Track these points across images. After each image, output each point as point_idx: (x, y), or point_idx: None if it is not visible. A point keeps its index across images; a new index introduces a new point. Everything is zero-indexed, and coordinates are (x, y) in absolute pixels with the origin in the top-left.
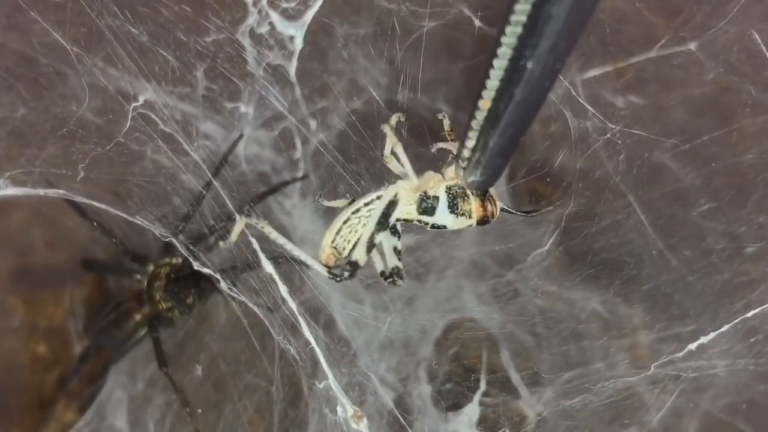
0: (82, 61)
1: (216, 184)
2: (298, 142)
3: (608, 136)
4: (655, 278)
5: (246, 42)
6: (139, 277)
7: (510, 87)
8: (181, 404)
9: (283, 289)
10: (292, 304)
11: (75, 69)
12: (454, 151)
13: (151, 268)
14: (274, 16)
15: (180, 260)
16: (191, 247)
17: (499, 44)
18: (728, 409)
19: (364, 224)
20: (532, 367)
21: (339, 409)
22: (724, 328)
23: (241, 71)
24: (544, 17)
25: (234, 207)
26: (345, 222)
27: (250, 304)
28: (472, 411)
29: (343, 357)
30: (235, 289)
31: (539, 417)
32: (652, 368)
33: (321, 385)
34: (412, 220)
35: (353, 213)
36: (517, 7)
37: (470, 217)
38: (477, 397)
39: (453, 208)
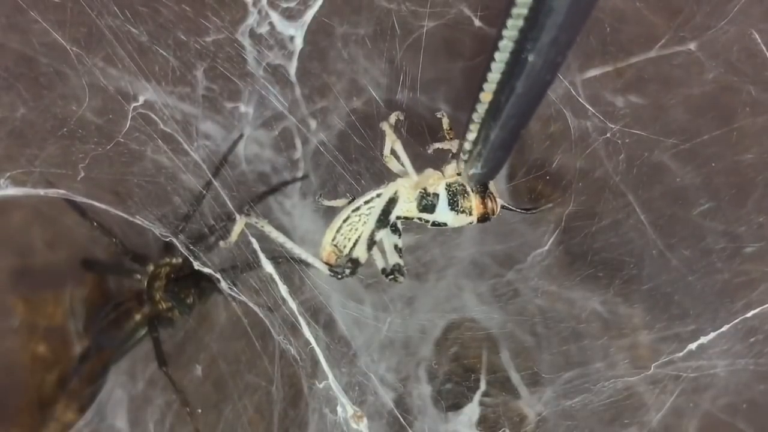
0: (82, 61)
1: (216, 184)
2: (298, 142)
3: (608, 135)
4: (655, 278)
5: (246, 42)
6: (139, 277)
7: (511, 80)
8: (181, 404)
9: (283, 289)
10: (292, 304)
11: (75, 69)
12: (453, 150)
13: (151, 268)
14: (274, 16)
15: (180, 260)
16: (191, 247)
17: (500, 37)
18: (728, 409)
19: (365, 222)
20: (532, 367)
21: (339, 409)
22: (724, 328)
23: (241, 71)
24: (545, 10)
25: (234, 207)
26: (345, 220)
27: (251, 304)
28: (472, 411)
29: (343, 357)
30: (235, 289)
31: (539, 417)
32: (652, 368)
33: (321, 385)
34: (412, 218)
35: (354, 211)
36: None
37: (470, 214)
38: (477, 397)
39: (453, 205)
